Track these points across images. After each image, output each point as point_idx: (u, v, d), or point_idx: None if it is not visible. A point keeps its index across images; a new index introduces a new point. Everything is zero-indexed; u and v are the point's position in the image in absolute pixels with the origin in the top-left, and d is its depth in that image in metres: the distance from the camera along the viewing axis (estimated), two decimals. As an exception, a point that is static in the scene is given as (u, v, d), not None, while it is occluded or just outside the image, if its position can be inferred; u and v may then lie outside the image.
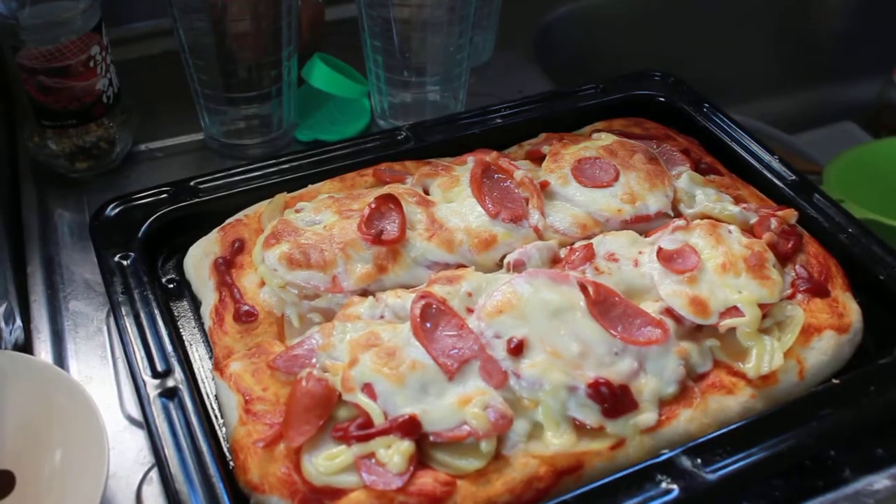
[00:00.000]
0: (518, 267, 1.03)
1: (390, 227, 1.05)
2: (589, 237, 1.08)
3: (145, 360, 0.96)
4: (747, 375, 0.94)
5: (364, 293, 1.02)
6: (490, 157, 1.17)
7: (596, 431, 0.88)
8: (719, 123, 1.31)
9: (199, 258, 1.10)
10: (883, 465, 0.90)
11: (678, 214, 1.13)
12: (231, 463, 0.89)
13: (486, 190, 1.12)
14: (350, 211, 1.08)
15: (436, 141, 1.27)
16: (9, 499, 0.89)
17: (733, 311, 0.97)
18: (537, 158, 1.22)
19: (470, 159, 1.18)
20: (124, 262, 1.07)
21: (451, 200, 1.12)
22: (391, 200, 1.07)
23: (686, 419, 0.91)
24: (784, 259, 1.06)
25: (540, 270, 1.00)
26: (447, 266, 1.05)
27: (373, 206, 1.07)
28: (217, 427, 0.94)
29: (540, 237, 1.08)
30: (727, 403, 0.93)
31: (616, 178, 1.14)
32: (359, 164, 1.22)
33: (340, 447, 0.85)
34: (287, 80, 1.35)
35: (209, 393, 0.98)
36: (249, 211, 1.14)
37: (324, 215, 1.08)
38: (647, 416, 0.90)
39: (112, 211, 1.14)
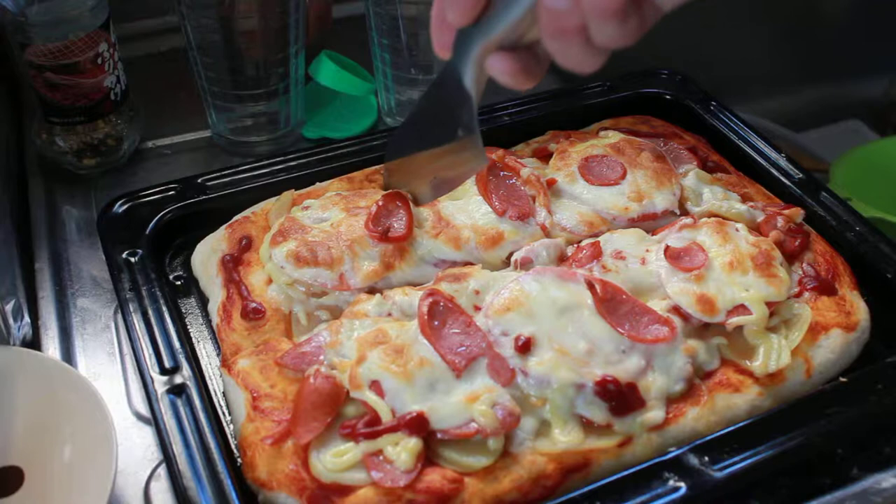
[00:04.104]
0: (525, 265, 1.03)
1: (397, 225, 1.05)
2: (596, 235, 1.08)
3: (153, 356, 0.96)
4: (755, 373, 0.94)
5: (371, 291, 1.02)
6: (496, 154, 1.17)
7: (603, 429, 0.89)
8: (726, 121, 1.31)
9: (207, 255, 1.10)
10: (890, 463, 0.90)
11: (685, 212, 1.13)
12: (239, 460, 0.89)
13: (493, 188, 1.12)
14: (357, 208, 1.08)
15: (442, 138, 1.27)
16: (17, 494, 0.89)
17: (741, 309, 0.97)
18: (544, 156, 1.22)
19: (477, 157, 1.17)
20: (132, 259, 1.07)
21: (458, 198, 1.12)
22: (399, 198, 1.08)
23: (693, 417, 0.91)
24: (791, 257, 1.06)
25: (547, 268, 1.00)
26: (454, 264, 1.05)
27: (380, 203, 1.07)
28: (225, 424, 0.94)
29: (547, 235, 1.08)
30: (734, 401, 0.93)
31: (623, 176, 1.14)
32: (366, 161, 1.22)
33: (348, 444, 0.85)
34: (294, 77, 1.36)
35: (217, 390, 0.98)
36: (257, 208, 1.14)
37: (331, 212, 1.08)
38: (654, 414, 0.90)
39: (120, 208, 1.14)
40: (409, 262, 1.04)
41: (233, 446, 0.91)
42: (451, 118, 0.81)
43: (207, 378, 0.99)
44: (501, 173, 1.14)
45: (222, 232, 1.11)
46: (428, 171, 1.01)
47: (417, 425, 0.84)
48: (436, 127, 0.86)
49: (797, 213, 1.12)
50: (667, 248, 1.02)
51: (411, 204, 1.08)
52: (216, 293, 1.05)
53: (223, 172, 1.21)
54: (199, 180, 1.19)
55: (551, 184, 1.14)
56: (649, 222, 1.11)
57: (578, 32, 0.64)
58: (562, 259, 1.05)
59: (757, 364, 0.94)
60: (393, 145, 1.08)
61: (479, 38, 0.70)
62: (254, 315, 1.01)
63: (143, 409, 1.00)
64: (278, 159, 1.23)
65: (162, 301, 1.02)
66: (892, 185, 1.52)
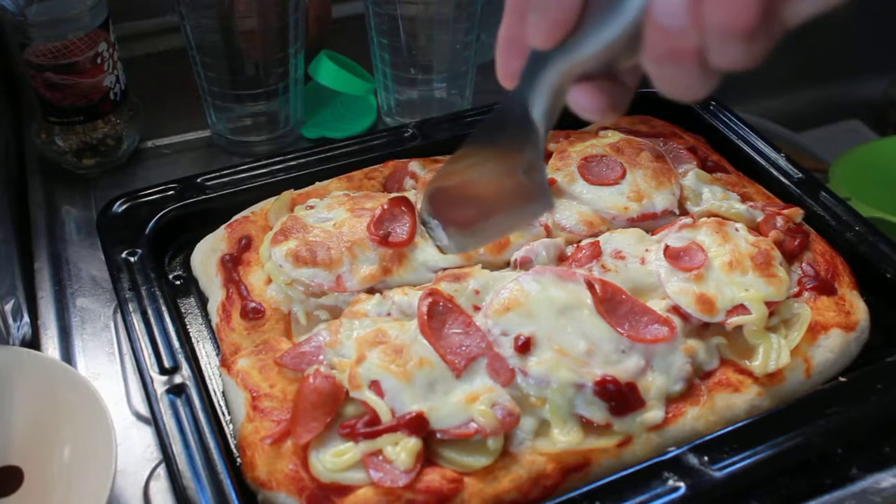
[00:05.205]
0: (525, 264, 1.03)
1: (400, 230, 1.04)
2: (595, 235, 1.08)
3: (153, 356, 0.96)
4: (754, 373, 0.94)
5: (370, 290, 1.02)
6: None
7: (603, 429, 0.89)
8: (726, 121, 1.31)
9: (207, 255, 1.10)
10: (890, 463, 0.90)
11: (685, 212, 1.13)
12: (238, 459, 0.89)
13: (493, 190, 1.11)
14: (363, 209, 1.07)
15: (443, 138, 1.27)
16: (17, 494, 0.89)
17: (740, 308, 0.97)
18: (544, 156, 1.22)
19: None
20: (131, 259, 1.07)
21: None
22: (404, 203, 1.07)
23: (693, 417, 0.91)
24: (791, 257, 1.06)
25: (547, 268, 1.00)
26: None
27: (385, 206, 1.06)
28: (224, 424, 0.94)
29: (549, 234, 1.08)
30: (734, 401, 0.93)
31: (623, 176, 1.14)
32: (365, 161, 1.22)
33: (348, 444, 0.85)
34: (294, 77, 1.36)
35: (216, 389, 0.98)
36: (256, 208, 1.14)
37: (336, 212, 1.08)
38: (653, 414, 0.90)
39: (119, 207, 1.14)
40: (407, 267, 1.03)
41: (232, 446, 0.91)
42: (510, 157, 0.70)
43: (207, 378, 0.99)
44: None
45: (222, 232, 1.11)
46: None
47: (417, 425, 0.84)
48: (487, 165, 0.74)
49: (796, 212, 1.12)
50: (666, 248, 1.02)
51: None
52: (216, 293, 1.05)
53: (223, 172, 1.21)
54: (198, 180, 1.19)
55: (550, 183, 1.13)
56: (649, 222, 1.11)
57: (693, 54, 0.54)
58: (561, 259, 1.05)
59: (756, 364, 0.94)
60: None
61: (560, 62, 0.60)
62: (253, 315, 1.01)
63: (143, 409, 1.00)
64: (278, 159, 1.23)
65: (161, 301, 1.02)
66: (892, 185, 1.52)
